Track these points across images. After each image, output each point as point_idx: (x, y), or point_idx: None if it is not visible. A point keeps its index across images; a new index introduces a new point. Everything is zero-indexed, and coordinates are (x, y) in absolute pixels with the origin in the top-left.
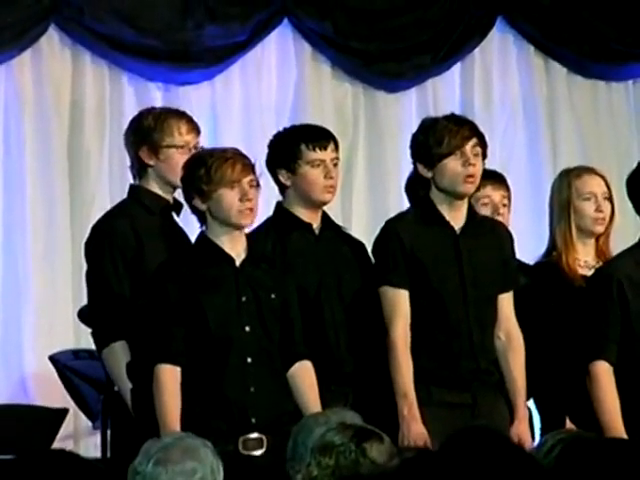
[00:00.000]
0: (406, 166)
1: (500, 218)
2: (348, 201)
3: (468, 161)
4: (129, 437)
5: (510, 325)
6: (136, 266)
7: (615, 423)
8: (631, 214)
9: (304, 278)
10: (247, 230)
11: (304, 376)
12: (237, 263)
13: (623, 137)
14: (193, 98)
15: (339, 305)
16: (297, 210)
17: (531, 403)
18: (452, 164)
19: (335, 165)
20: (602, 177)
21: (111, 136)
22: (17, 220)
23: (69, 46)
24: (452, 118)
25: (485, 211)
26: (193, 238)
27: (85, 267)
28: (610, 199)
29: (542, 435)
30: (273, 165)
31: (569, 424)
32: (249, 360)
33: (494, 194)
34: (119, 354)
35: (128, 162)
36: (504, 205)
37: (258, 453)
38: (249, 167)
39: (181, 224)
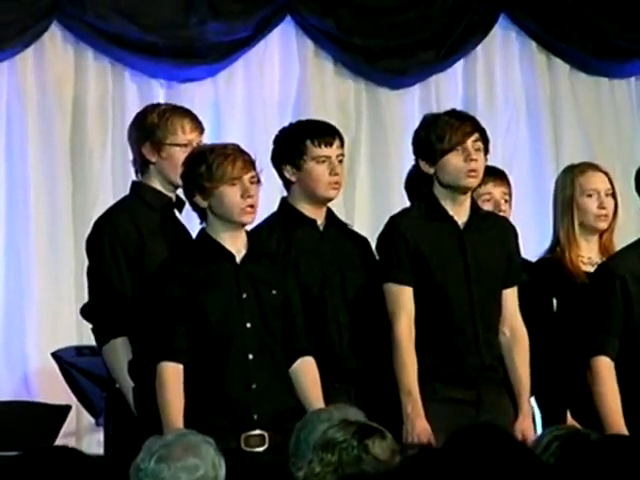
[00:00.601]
0: (409, 163)
1: (501, 214)
2: (351, 198)
3: (470, 156)
4: (131, 434)
5: (515, 321)
6: (137, 262)
7: (616, 418)
8: (634, 210)
9: (308, 275)
10: (251, 226)
11: (307, 372)
12: (237, 260)
13: (626, 133)
14: (196, 95)
15: (342, 302)
16: (302, 206)
17: (532, 399)
18: (454, 159)
19: (340, 161)
20: (605, 173)
21: (114, 133)
22: (20, 217)
23: (71, 43)
24: (453, 114)
25: (486, 207)
26: (195, 235)
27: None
28: (613, 195)
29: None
30: (278, 161)
31: (570, 420)
32: (250, 357)
33: (495, 191)
34: (120, 350)
35: (131, 158)
36: (505, 201)
37: (260, 450)
38: (250, 163)
39: (183, 221)
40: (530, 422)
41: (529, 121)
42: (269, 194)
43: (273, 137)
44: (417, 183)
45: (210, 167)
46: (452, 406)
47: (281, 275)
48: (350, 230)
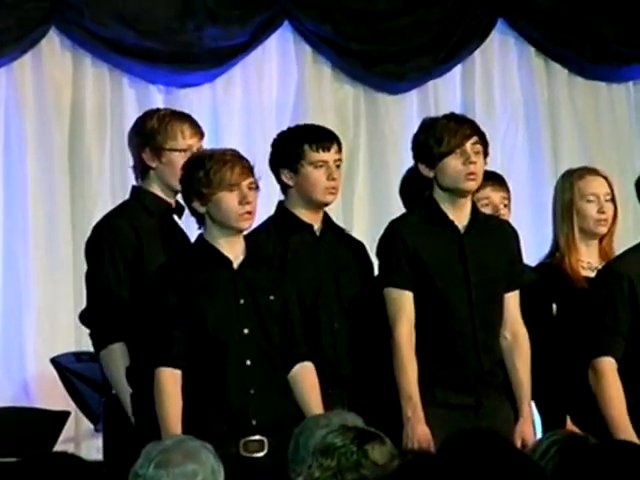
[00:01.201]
0: (407, 167)
1: None
2: (349, 203)
3: (469, 159)
4: (130, 440)
5: (516, 325)
6: (136, 267)
7: (623, 419)
8: (632, 215)
9: (303, 281)
10: (247, 229)
11: (305, 377)
12: (235, 265)
13: (624, 138)
14: (194, 100)
15: (337, 308)
16: (298, 211)
17: (532, 404)
18: (453, 163)
19: (338, 166)
20: (605, 178)
21: (112, 139)
22: (18, 223)
23: (70, 49)
24: (452, 117)
25: (485, 212)
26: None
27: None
28: (613, 200)
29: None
30: (276, 165)
31: (570, 424)
32: (248, 362)
33: (494, 195)
34: (117, 356)
35: (130, 164)
36: (504, 206)
37: (259, 455)
38: (248, 169)
39: (183, 227)
40: (530, 426)
41: (527, 126)
42: (267, 199)
43: (271, 142)
44: (412, 188)
45: (208, 173)
46: (452, 411)
47: (279, 280)
48: (347, 235)
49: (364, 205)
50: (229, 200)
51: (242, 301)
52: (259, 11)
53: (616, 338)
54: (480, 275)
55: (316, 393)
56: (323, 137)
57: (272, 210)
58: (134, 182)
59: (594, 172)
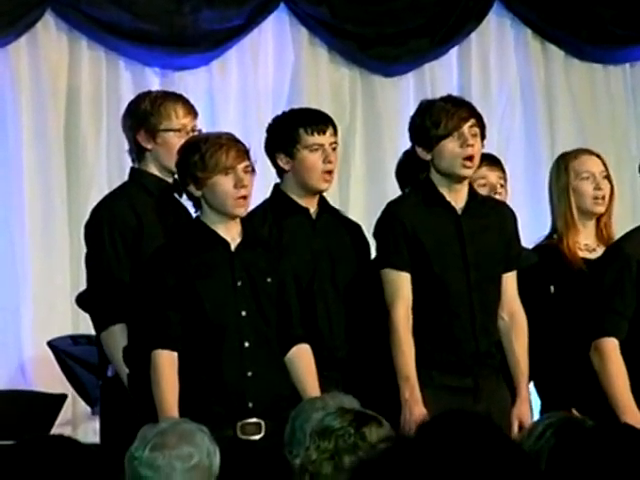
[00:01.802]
0: (404, 149)
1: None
2: (345, 185)
3: (466, 142)
4: (127, 422)
5: (514, 306)
6: (136, 248)
7: (626, 398)
8: (629, 196)
9: (298, 265)
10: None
11: (302, 359)
12: (232, 247)
13: (620, 120)
14: (190, 83)
15: (333, 291)
16: (294, 194)
17: (531, 386)
18: (450, 145)
19: (334, 149)
20: (598, 156)
21: (108, 121)
22: (14, 207)
23: (65, 32)
24: (449, 99)
25: (483, 192)
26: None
27: (84, 251)
28: (608, 178)
29: None
30: (272, 149)
31: (568, 407)
32: (246, 345)
33: (490, 174)
34: (118, 337)
35: (126, 147)
36: (501, 186)
37: (256, 438)
38: (244, 153)
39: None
40: (527, 408)
41: (524, 108)
42: (262, 184)
43: (266, 127)
44: (408, 171)
45: (203, 157)
46: (449, 393)
47: (276, 262)
48: (343, 217)
49: (360, 187)
50: (224, 183)
51: (240, 283)
52: None
53: (621, 320)
54: (478, 256)
55: (313, 375)
56: (318, 120)
57: (267, 195)
58: (130, 164)
59: (588, 152)
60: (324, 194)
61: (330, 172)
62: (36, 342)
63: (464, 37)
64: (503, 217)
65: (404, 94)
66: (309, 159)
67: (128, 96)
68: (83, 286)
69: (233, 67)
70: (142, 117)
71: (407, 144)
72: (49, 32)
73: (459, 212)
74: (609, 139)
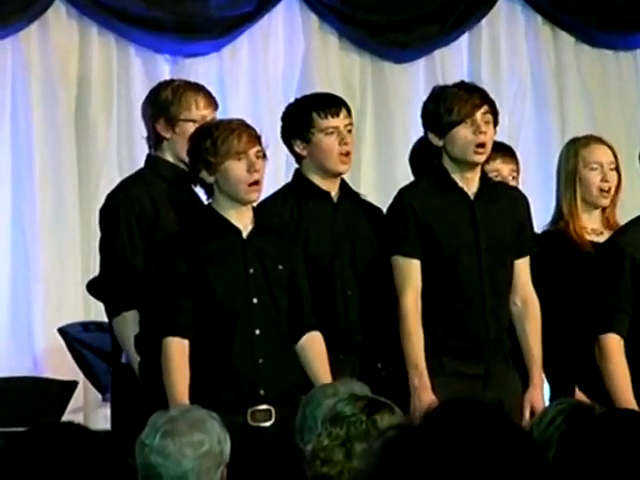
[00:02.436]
0: (414, 136)
1: None
2: (356, 171)
3: (479, 129)
4: (138, 409)
5: (526, 291)
6: (150, 235)
7: (627, 395)
8: (637, 184)
9: (318, 247)
10: (265, 194)
11: (313, 347)
12: (244, 235)
13: (631, 106)
14: (200, 69)
15: (351, 275)
16: (315, 178)
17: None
18: (463, 132)
19: (349, 131)
20: (609, 147)
21: (118, 108)
22: (25, 193)
23: (76, 18)
24: (462, 86)
25: None
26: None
27: (95, 239)
28: (617, 170)
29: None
30: (288, 136)
31: (578, 393)
32: (257, 332)
33: (503, 167)
34: (130, 323)
35: (137, 133)
36: (513, 178)
37: (267, 424)
38: (255, 138)
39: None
40: (540, 393)
41: (534, 94)
42: (273, 173)
43: (278, 112)
44: (422, 157)
45: (215, 142)
46: (460, 380)
47: (288, 249)
48: (364, 201)
49: (371, 173)
50: (237, 168)
51: (251, 270)
52: None
53: (620, 315)
54: (490, 241)
55: (324, 362)
56: (330, 103)
57: (276, 184)
58: (140, 151)
59: (599, 141)
60: (345, 178)
61: (347, 154)
62: (47, 329)
63: (474, 23)
64: (516, 202)
65: (415, 81)
66: (325, 142)
67: (138, 83)
68: (94, 273)
69: (244, 54)
70: (162, 106)
71: (418, 131)
72: (60, 19)
73: (472, 197)
74: (620, 125)
